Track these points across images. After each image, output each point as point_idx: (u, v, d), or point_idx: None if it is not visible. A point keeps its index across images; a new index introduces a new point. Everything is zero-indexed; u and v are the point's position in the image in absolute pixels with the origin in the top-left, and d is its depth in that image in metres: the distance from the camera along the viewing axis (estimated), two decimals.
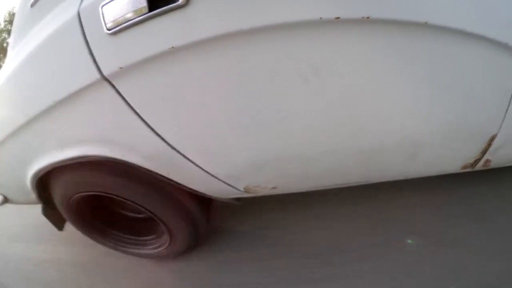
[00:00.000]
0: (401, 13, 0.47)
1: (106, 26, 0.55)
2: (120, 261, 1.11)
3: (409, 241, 0.87)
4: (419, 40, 0.49)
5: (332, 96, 0.56)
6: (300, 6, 0.48)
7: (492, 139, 0.62)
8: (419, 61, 0.52)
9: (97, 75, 0.58)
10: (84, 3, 0.59)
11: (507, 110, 0.57)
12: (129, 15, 0.53)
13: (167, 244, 0.95)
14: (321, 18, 0.47)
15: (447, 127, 0.60)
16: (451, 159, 0.68)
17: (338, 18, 0.47)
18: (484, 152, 0.65)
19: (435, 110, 0.57)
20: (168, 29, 0.52)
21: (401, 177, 0.74)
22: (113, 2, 0.55)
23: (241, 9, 0.49)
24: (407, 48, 0.50)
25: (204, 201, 0.90)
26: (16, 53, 0.75)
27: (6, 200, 1.02)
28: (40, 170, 0.77)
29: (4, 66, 0.78)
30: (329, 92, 0.55)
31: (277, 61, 0.53)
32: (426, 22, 0.47)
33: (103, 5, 0.56)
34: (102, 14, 0.56)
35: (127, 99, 0.60)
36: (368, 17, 0.47)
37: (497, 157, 0.68)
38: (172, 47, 0.52)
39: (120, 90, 0.60)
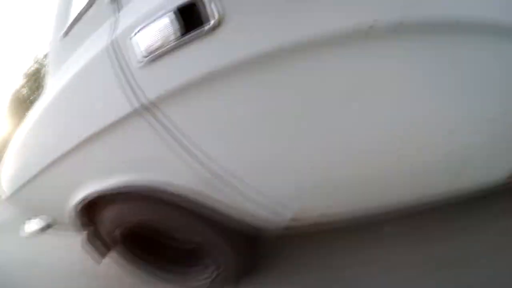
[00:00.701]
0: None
1: (140, 54, 0.55)
2: None
3: None
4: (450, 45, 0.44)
5: (378, 115, 0.50)
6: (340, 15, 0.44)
7: None
8: (458, 65, 0.46)
9: (135, 104, 0.58)
10: (116, 33, 0.59)
11: None
12: (162, 42, 0.52)
13: (214, 275, 0.92)
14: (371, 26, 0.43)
15: (491, 130, 0.52)
16: (496, 167, 0.58)
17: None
18: None
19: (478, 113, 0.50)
20: (204, 52, 0.50)
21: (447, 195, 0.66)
22: (144, 30, 0.54)
23: (273, 27, 0.46)
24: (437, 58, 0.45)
25: (251, 232, 0.85)
26: (53, 85, 0.78)
27: (49, 227, 1.04)
28: (82, 199, 0.78)
29: (43, 97, 0.81)
30: (375, 110, 0.50)
31: (316, 79, 0.49)
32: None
33: (135, 33, 0.56)
34: (136, 42, 0.55)
35: (168, 126, 0.59)
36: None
37: None
38: (209, 72, 0.50)
39: (159, 117, 0.59)
